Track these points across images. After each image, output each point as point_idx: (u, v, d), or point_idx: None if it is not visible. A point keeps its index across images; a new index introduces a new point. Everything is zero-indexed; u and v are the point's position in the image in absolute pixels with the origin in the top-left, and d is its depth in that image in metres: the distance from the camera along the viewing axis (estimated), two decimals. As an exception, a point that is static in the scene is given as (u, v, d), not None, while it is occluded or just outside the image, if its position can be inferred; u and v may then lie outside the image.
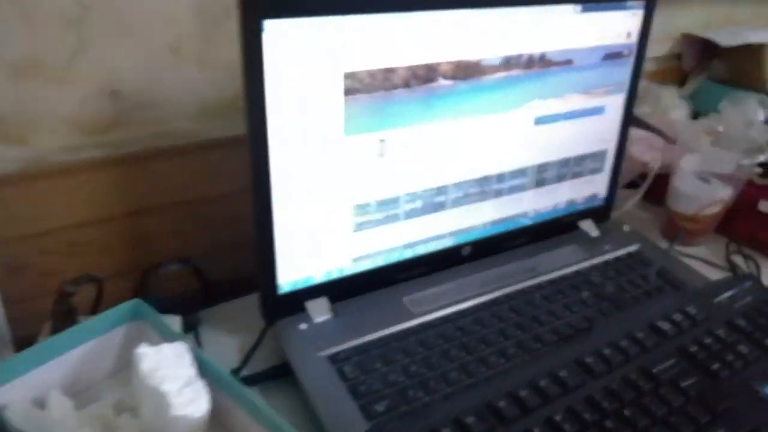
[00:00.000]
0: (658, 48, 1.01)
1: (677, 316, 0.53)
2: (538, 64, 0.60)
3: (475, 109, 0.58)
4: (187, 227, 0.63)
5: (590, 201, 0.73)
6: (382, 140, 0.55)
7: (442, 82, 0.56)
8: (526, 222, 0.69)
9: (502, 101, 0.60)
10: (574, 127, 0.66)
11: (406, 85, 0.54)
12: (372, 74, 0.52)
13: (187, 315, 0.59)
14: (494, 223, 0.66)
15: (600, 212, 0.75)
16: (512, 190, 0.66)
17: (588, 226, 0.73)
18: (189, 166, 0.62)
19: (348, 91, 0.51)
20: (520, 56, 0.59)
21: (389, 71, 0.53)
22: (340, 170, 0.54)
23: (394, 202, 0.58)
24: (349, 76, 0.51)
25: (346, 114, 0.52)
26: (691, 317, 0.54)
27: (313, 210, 0.54)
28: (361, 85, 0.52)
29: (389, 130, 0.55)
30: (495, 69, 0.58)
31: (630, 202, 0.80)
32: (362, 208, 0.57)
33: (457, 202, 0.62)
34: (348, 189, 0.55)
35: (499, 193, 0.65)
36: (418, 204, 0.60)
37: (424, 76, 0.54)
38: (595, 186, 0.73)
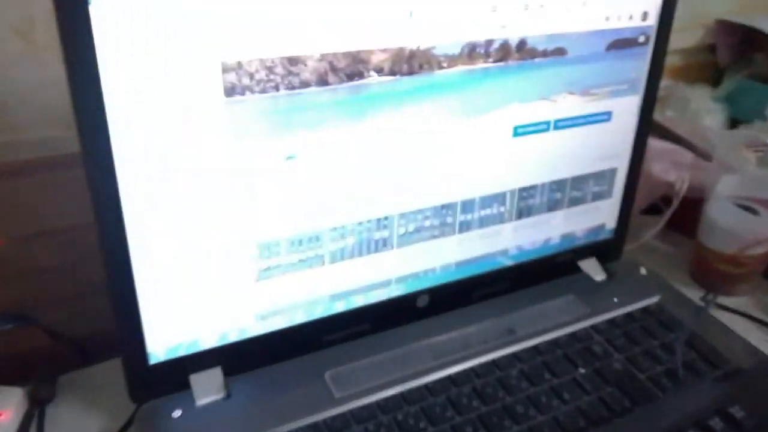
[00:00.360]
0: (685, 37, 0.83)
1: (716, 423, 0.36)
2: (515, 54, 0.44)
3: (427, 115, 0.42)
4: (48, 264, 0.48)
5: (594, 234, 0.57)
6: (290, 157, 0.39)
7: (376, 78, 0.40)
8: (506, 263, 0.53)
9: (466, 105, 0.44)
10: (569, 139, 0.50)
11: (322, 81, 0.38)
12: (267, 66, 0.36)
13: (37, 385, 0.44)
14: (460, 264, 0.50)
15: (608, 248, 0.58)
16: (485, 221, 0.49)
17: (591, 268, 0.57)
18: (50, 185, 0.47)
19: (230, 90, 0.36)
20: (489, 43, 0.43)
21: (294, 62, 0.37)
22: (232, 198, 0.39)
23: (314, 239, 0.43)
24: (230, 69, 0.35)
25: (231, 123, 0.36)
26: (736, 424, 0.37)
27: (196, 250, 0.39)
28: (252, 82, 0.36)
29: (301, 145, 0.39)
30: (453, 61, 0.42)
31: (648, 233, 0.63)
32: (269, 249, 0.41)
33: (407, 239, 0.46)
34: (246, 223, 0.40)
35: (466, 226, 0.49)
36: (350, 241, 0.44)
37: (347, 69, 0.39)
38: (600, 214, 0.56)
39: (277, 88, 0.37)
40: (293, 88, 0.37)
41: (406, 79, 0.41)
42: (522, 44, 0.44)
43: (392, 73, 0.40)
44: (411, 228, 0.46)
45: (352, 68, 0.39)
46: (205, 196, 0.38)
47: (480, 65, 0.43)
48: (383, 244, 0.46)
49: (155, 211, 0.37)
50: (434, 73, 0.42)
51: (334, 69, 0.38)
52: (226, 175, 0.38)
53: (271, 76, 0.37)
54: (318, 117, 0.39)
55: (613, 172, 0.54)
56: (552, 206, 0.53)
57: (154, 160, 0.36)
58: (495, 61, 0.43)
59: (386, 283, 0.47)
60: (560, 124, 0.49)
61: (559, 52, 0.46)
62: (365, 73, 0.39)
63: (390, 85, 0.40)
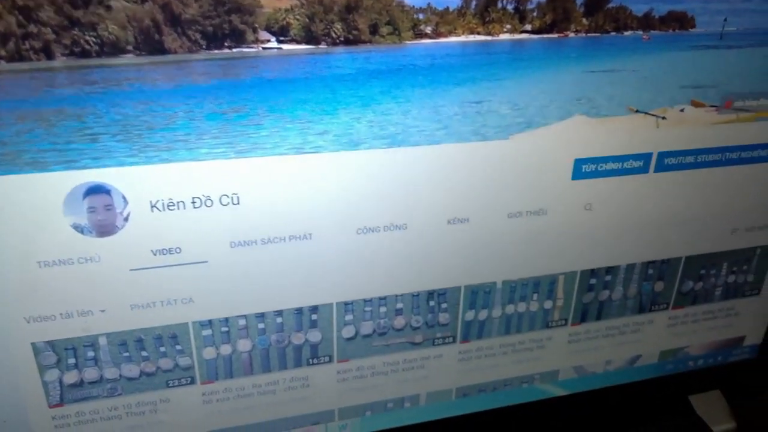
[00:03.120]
0: None
1: None
2: (581, 17, 0.22)
3: (392, 131, 0.22)
4: None
5: (723, 353, 0.33)
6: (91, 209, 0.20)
7: (273, 46, 0.20)
8: (553, 393, 0.30)
9: (474, 116, 0.23)
10: (685, 190, 0.27)
11: (150, 46, 0.19)
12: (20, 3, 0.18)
13: None
14: (465, 393, 0.29)
15: (744, 377, 0.34)
16: (514, 324, 0.28)
17: (711, 408, 0.33)
18: None
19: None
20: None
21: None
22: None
23: (172, 340, 0.23)
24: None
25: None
26: None
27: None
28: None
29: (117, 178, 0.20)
30: (446, 21, 0.21)
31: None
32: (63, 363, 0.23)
33: (359, 347, 0.26)
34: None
35: (476, 331, 0.27)
36: (242, 346, 0.24)
37: (205, 22, 0.19)
38: (737, 322, 0.32)
39: (46, 52, 0.18)
40: (84, 55, 0.18)
41: (342, 53, 0.20)
42: (594, 3, 0.22)
43: (310, 38, 0.20)
44: (366, 329, 0.26)
45: (215, 21, 0.19)
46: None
47: (504, 35, 0.22)
48: (312, 354, 0.25)
49: None
50: (404, 46, 0.21)
51: (174, 20, 0.19)
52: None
53: (32, 29, 0.18)
54: (146, 128, 0.20)
55: (767, 251, 0.30)
56: (644, 304, 0.30)
57: None
58: (537, 30, 0.22)
59: (323, 417, 0.27)
60: (670, 162, 0.26)
61: (678, 21, 0.23)
62: (246, 35, 0.19)
63: (305, 64, 0.20)
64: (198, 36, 0.19)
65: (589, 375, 0.31)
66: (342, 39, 0.20)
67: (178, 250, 0.22)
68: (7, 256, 0.20)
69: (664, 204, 0.27)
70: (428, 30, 0.21)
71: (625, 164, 0.25)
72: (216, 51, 0.19)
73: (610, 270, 0.28)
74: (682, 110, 0.25)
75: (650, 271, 0.29)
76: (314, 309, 0.24)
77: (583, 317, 0.29)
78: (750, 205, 0.28)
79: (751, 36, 0.24)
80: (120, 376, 0.23)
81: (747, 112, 0.26)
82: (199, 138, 0.20)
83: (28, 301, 0.21)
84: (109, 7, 0.18)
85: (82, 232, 0.20)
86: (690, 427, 0.33)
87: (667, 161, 0.26)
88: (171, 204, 0.21)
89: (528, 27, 0.22)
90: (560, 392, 0.31)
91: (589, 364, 0.30)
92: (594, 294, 0.28)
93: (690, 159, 0.26)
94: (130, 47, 0.19)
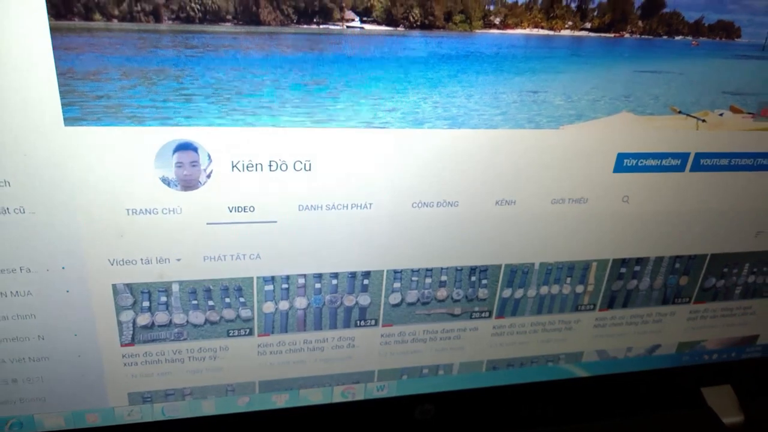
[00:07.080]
0: None
1: None
2: (637, 20, 0.24)
3: (454, 113, 0.24)
4: None
5: (737, 350, 0.35)
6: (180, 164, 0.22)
7: (356, 25, 0.22)
8: (576, 374, 0.32)
9: (531, 105, 0.24)
10: (716, 190, 0.29)
11: (248, 17, 0.21)
12: (148, -26, 0.20)
13: None
14: (495, 366, 0.31)
15: (755, 375, 0.35)
16: (546, 304, 0.30)
17: (722, 401, 0.34)
18: None
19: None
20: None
21: (202, -26, 0.20)
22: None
23: (236, 291, 0.25)
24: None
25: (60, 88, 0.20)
26: None
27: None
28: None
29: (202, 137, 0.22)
30: (513, 14, 0.23)
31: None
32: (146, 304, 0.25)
33: (402, 314, 0.28)
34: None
35: (511, 308, 0.29)
36: (299, 303, 0.26)
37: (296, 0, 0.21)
38: (752, 321, 0.34)
39: (155, 15, 0.20)
40: (188, 21, 0.20)
41: (418, 37, 0.22)
42: (653, 3, 0.24)
43: (390, 20, 0.22)
44: (411, 297, 0.27)
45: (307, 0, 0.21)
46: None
47: (565, 31, 0.23)
48: (360, 316, 0.27)
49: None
50: (473, 34, 0.23)
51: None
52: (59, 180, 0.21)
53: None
54: (234, 90, 0.21)
55: (788, 255, 0.32)
56: (668, 296, 0.31)
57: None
58: (595, 29, 0.24)
59: (363, 377, 0.29)
60: (705, 163, 0.28)
61: (725, 30, 0.25)
62: (334, 13, 0.21)
63: (383, 44, 0.22)
64: (291, 11, 0.21)
65: (611, 359, 0.33)
66: (419, 23, 0.22)
67: (252, 209, 0.24)
68: (100, 202, 0.22)
69: (695, 202, 0.29)
70: (497, 21, 0.23)
71: (663, 161, 0.27)
72: (305, 26, 0.21)
73: (640, 261, 0.30)
74: (721, 114, 0.27)
75: (677, 266, 0.31)
76: (367, 274, 0.26)
77: (610, 304, 0.31)
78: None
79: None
80: (187, 322, 0.25)
81: (782, 120, 0.28)
82: (281, 106, 0.22)
83: (114, 244, 0.23)
84: (216, -20, 0.20)
85: (168, 185, 0.22)
86: (701, 418, 0.34)
87: (703, 162, 0.28)
88: (250, 165, 0.23)
89: (588, 25, 0.24)
90: (582, 373, 0.32)
91: (611, 349, 0.32)
92: (623, 282, 0.30)
93: (724, 161, 0.28)
94: (229, 16, 0.20)
